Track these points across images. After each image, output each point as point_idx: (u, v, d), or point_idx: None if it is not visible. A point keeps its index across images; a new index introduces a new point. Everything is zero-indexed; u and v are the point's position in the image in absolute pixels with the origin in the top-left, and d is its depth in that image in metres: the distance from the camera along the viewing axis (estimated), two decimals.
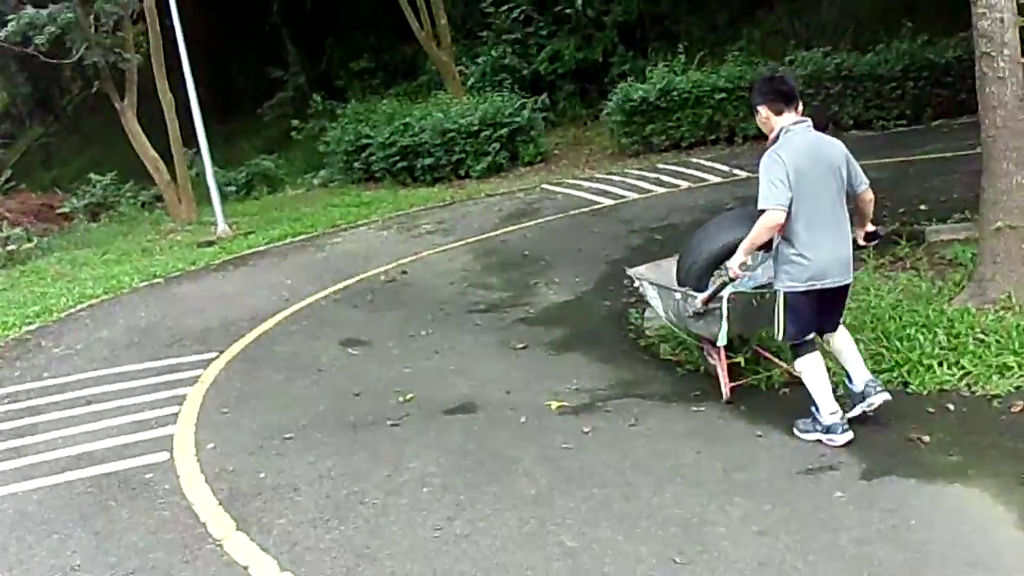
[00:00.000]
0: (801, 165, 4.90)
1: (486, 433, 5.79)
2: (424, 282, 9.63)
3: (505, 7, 19.78)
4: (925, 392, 5.63)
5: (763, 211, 4.93)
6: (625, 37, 19.60)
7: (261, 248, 12.24)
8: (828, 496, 4.55)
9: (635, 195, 12.44)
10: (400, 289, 9.45)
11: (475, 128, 16.07)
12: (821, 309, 5.16)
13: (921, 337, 6.22)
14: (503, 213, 12.57)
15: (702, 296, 5.70)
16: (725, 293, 5.50)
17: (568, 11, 19.43)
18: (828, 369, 5.30)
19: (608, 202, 12.22)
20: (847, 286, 5.19)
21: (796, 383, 5.58)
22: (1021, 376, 5.65)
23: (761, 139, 14.65)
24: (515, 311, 8.36)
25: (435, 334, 7.88)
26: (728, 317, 5.53)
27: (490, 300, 8.77)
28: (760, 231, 4.97)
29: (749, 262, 5.32)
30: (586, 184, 13.83)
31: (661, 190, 12.53)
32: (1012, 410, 5.29)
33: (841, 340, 5.33)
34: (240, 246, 12.43)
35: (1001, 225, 6.84)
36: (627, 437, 5.52)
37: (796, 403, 5.47)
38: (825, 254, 4.98)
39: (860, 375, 5.23)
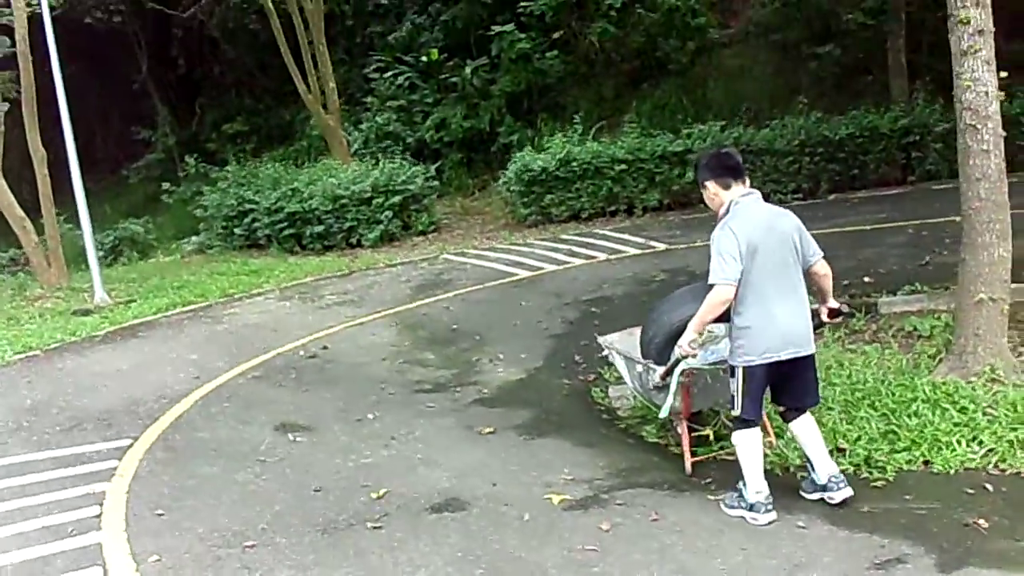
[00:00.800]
0: (753, 237, 4.81)
1: (488, 534, 5.04)
2: (350, 358, 8.74)
3: (390, 73, 19.23)
4: (952, 471, 5.37)
5: (711, 286, 4.79)
6: (512, 107, 19.32)
7: (149, 318, 11.01)
8: None
9: (552, 267, 11.91)
10: (325, 366, 8.53)
11: (367, 195, 15.31)
12: (781, 384, 5.03)
13: (929, 413, 5.96)
14: (412, 284, 11.80)
15: (660, 370, 5.52)
16: (678, 369, 5.27)
17: (454, 79, 19.03)
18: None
19: (525, 274, 11.64)
20: (807, 358, 4.99)
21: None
22: None
23: (660, 211, 14.97)
24: (467, 391, 7.62)
25: (384, 417, 7.05)
26: (676, 392, 5.35)
27: (434, 379, 7.99)
28: (709, 307, 4.83)
29: (699, 340, 5.14)
30: (492, 255, 13.24)
31: (578, 261, 12.05)
32: None
33: (806, 429, 5.14)
34: (123, 316, 11.16)
35: (983, 297, 6.71)
36: (654, 534, 4.91)
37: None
38: (781, 325, 4.84)
39: (824, 467, 5.09)
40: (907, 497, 5.15)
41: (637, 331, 6.70)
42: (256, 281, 12.68)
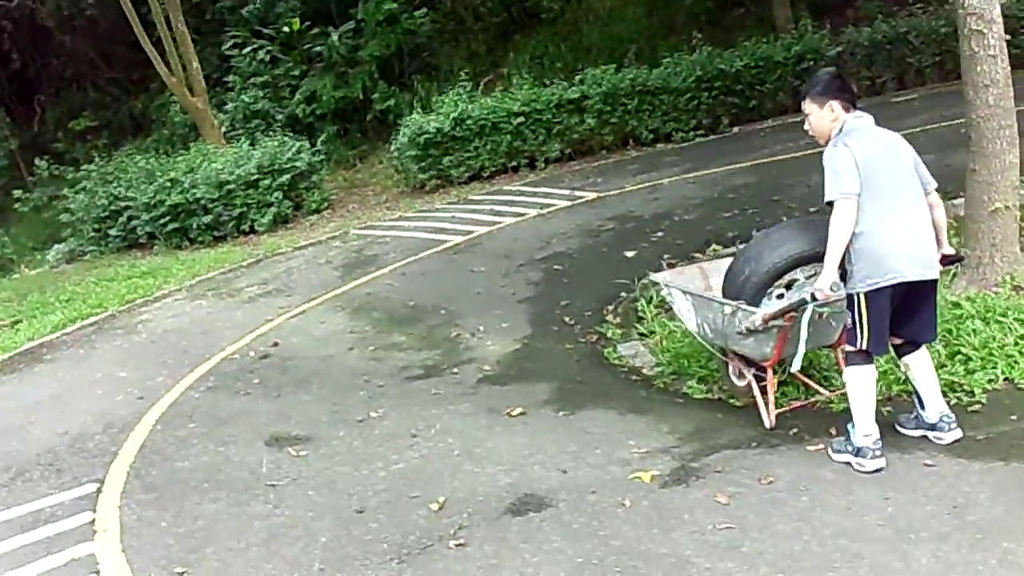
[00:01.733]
0: (870, 153, 4.49)
1: (598, 530, 4.39)
2: (312, 352, 7.80)
3: (248, 49, 17.85)
4: None
5: (830, 204, 4.42)
6: (384, 72, 18.28)
7: (48, 338, 9.62)
8: None
9: (483, 228, 11.17)
10: (287, 365, 7.56)
11: (254, 177, 14.09)
12: (899, 314, 4.57)
13: (987, 329, 5.68)
14: (335, 264, 10.81)
15: (765, 312, 4.97)
16: (806, 316, 4.71)
17: (319, 49, 17.83)
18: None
19: (457, 239, 10.84)
20: (932, 284, 4.61)
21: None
22: None
23: (562, 162, 14.38)
24: (466, 371, 6.86)
25: (390, 413, 6.22)
26: (773, 337, 4.98)
27: (420, 362, 7.17)
28: (838, 230, 4.42)
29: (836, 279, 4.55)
30: (407, 224, 12.37)
31: (509, 220, 11.34)
32: None
33: (922, 364, 4.77)
34: (15, 340, 9.72)
35: (999, 206, 6.49)
36: (782, 499, 4.39)
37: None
38: (907, 242, 4.47)
39: (936, 406, 4.74)
40: (1013, 417, 4.85)
41: (687, 269, 6.31)
42: (155, 283, 11.37)
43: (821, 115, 4.71)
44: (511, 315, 7.99)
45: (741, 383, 5.65)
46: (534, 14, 18.98)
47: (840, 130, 4.63)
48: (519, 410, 5.91)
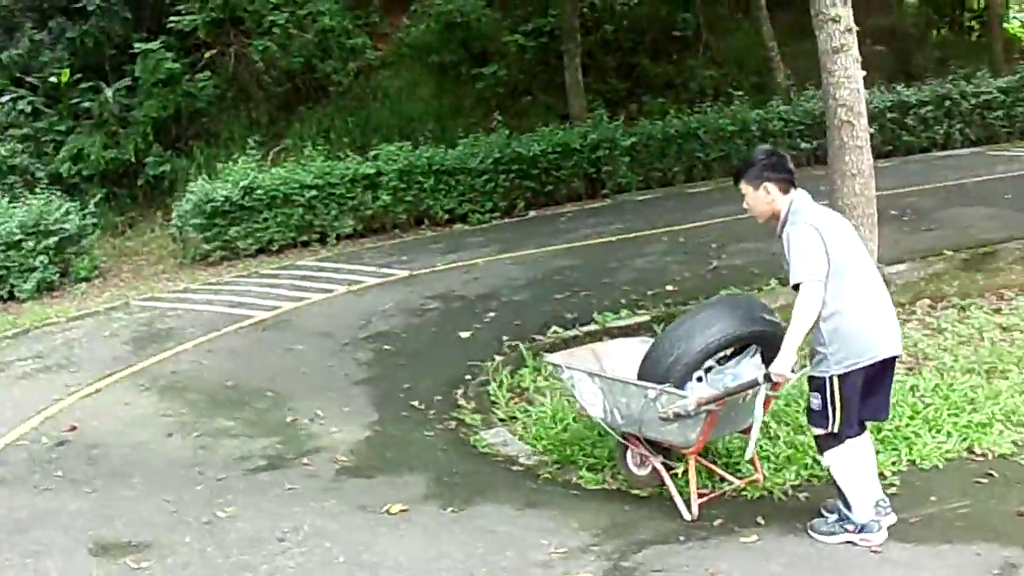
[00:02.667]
0: (834, 230, 4.44)
1: None
2: (121, 439, 6.73)
3: (7, 98, 16.07)
4: (938, 464, 5.31)
5: (796, 287, 4.28)
6: (159, 135, 16.96)
7: None
8: None
9: (289, 304, 10.30)
10: (94, 454, 6.46)
11: (16, 237, 12.47)
12: (867, 391, 4.44)
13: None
14: (123, 338, 9.57)
15: (700, 396, 4.74)
16: (760, 397, 4.53)
17: (88, 104, 16.33)
18: None
19: (263, 315, 9.93)
20: (895, 359, 4.55)
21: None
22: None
23: (354, 239, 13.76)
24: (318, 461, 6.10)
25: (243, 512, 5.36)
26: (701, 423, 4.77)
27: (259, 452, 6.32)
28: (806, 312, 4.24)
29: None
30: (196, 297, 11.28)
31: (317, 296, 10.55)
32: None
33: (867, 448, 4.63)
34: None
35: None
36: None
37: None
38: (882, 321, 4.42)
39: (876, 492, 4.60)
40: (933, 499, 4.89)
41: (579, 351, 5.91)
42: None
43: (756, 196, 4.60)
44: (350, 399, 7.26)
45: (642, 472, 5.34)
46: (321, 87, 18.35)
47: (789, 209, 4.50)
48: (399, 507, 5.22)
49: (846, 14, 6.55)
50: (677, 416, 4.74)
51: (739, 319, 4.95)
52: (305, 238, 14.04)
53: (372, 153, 14.99)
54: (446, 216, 14.65)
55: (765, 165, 4.58)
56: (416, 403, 7.07)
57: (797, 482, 5.13)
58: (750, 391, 4.64)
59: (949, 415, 5.70)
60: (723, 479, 5.26)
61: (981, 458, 5.31)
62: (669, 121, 16.17)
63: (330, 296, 10.55)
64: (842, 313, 4.27)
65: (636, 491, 5.29)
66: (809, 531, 4.53)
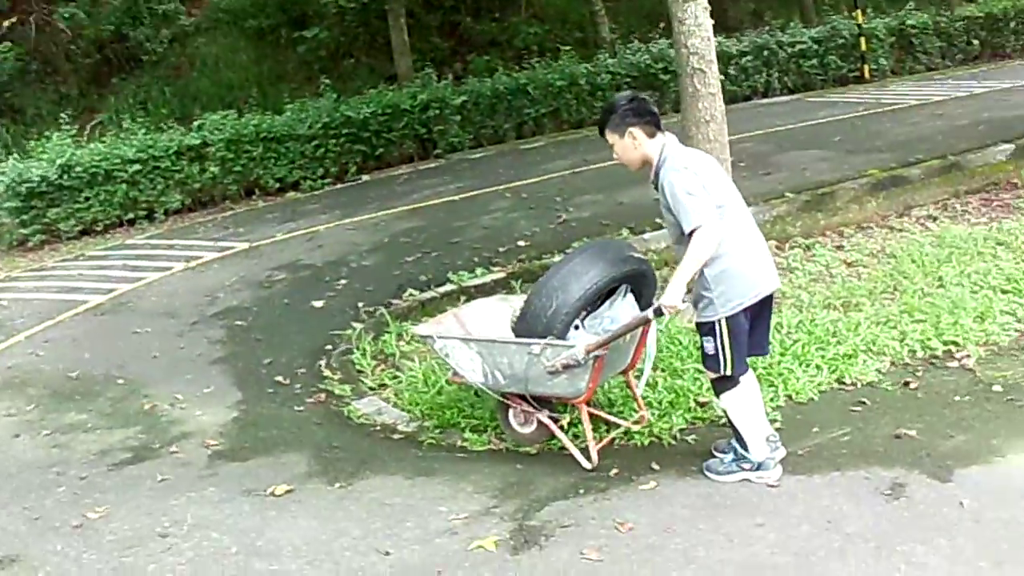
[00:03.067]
0: (710, 171, 4.45)
1: None
2: None
3: None
4: (813, 396, 5.53)
5: (692, 232, 4.19)
6: None
7: None
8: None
9: (127, 285, 9.71)
10: None
11: None
12: (754, 325, 4.54)
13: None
14: None
15: (589, 343, 4.72)
16: (652, 334, 4.72)
17: None
18: None
19: (99, 298, 9.33)
20: (771, 295, 4.62)
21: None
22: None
23: (183, 213, 13.18)
24: (187, 448, 5.78)
25: (116, 512, 4.98)
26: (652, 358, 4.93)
27: (121, 443, 5.93)
28: (704, 250, 4.19)
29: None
30: (21, 285, 10.49)
31: (154, 275, 9.99)
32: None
33: (753, 385, 4.68)
34: None
35: None
36: (656, 546, 4.06)
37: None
38: (762, 258, 4.49)
39: (764, 426, 4.69)
40: (816, 429, 5.07)
41: (445, 318, 5.73)
42: None
43: (623, 144, 4.52)
44: (209, 379, 6.91)
45: (527, 430, 5.30)
46: (133, 56, 17.42)
47: (661, 154, 4.44)
48: (284, 488, 4.98)
49: None
50: (566, 367, 4.71)
51: (610, 262, 4.93)
52: (131, 216, 13.30)
53: (196, 123, 14.34)
54: (277, 185, 14.20)
55: (627, 110, 4.47)
56: (280, 378, 6.79)
57: (684, 426, 5.19)
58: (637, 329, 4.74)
59: (816, 350, 5.92)
60: (610, 424, 5.29)
61: (851, 387, 5.55)
62: (498, 78, 16.16)
63: (168, 274, 10.01)
64: (726, 255, 4.28)
65: (524, 449, 5.24)
66: (705, 472, 4.60)
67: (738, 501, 4.36)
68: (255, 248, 10.67)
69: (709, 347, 4.38)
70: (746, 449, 4.48)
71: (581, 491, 4.62)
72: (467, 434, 5.50)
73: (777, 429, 4.93)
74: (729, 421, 4.57)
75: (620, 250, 5.19)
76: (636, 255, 5.22)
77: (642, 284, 5.15)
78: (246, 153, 13.96)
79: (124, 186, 13.12)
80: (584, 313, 5.10)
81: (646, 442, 5.17)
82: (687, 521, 4.21)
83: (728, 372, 4.38)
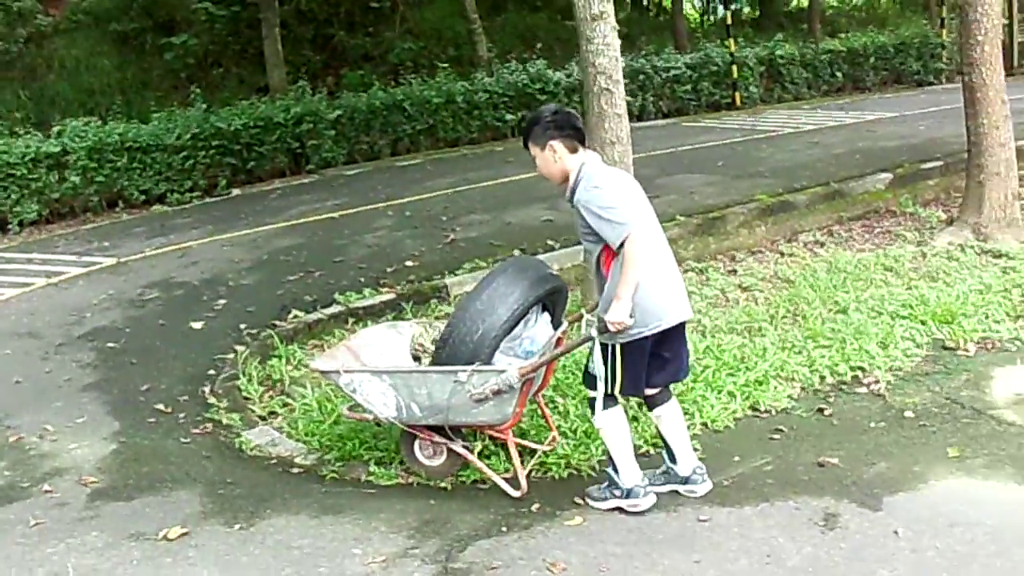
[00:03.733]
0: (628, 190, 4.37)
1: None
2: None
3: None
4: (723, 424, 5.47)
5: (622, 244, 4.08)
6: None
7: None
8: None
9: None
10: None
11: None
12: (660, 357, 4.45)
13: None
14: None
15: (523, 366, 4.56)
16: (597, 352, 4.30)
17: None
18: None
19: None
20: (684, 324, 4.53)
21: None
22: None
23: (41, 225, 12.33)
24: (62, 486, 5.24)
25: None
26: (517, 394, 4.58)
27: None
28: (639, 261, 4.06)
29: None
30: None
31: (12, 291, 9.20)
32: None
33: (674, 416, 4.66)
34: None
35: None
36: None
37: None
38: (670, 288, 4.35)
39: (689, 459, 4.67)
40: (736, 459, 5.00)
41: (340, 352, 5.35)
42: None
43: (545, 157, 4.42)
44: (80, 407, 6.33)
45: (435, 462, 5.03)
46: None
47: (580, 171, 4.33)
48: (178, 531, 4.53)
49: None
50: (496, 393, 4.50)
51: (533, 280, 4.76)
52: None
53: (56, 129, 13.48)
54: (142, 197, 13.49)
55: (550, 123, 4.36)
56: (161, 406, 6.28)
57: (602, 457, 4.99)
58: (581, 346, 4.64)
59: (727, 376, 5.88)
60: (531, 449, 5.11)
61: (766, 415, 5.52)
62: (374, 94, 15.84)
63: (28, 291, 9.25)
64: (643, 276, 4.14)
65: (434, 483, 4.95)
66: (586, 498, 4.52)
67: (670, 536, 4.22)
68: (123, 264, 10.01)
69: (600, 367, 4.25)
70: (617, 474, 4.42)
71: (504, 528, 4.37)
72: (372, 468, 5.16)
73: (700, 458, 4.82)
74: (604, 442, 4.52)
75: (539, 268, 5.01)
76: (553, 272, 5.10)
77: (557, 302, 5.03)
78: (110, 163, 13.21)
79: None
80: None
81: (564, 474, 4.98)
82: (620, 559, 4.03)
83: (616, 392, 4.32)
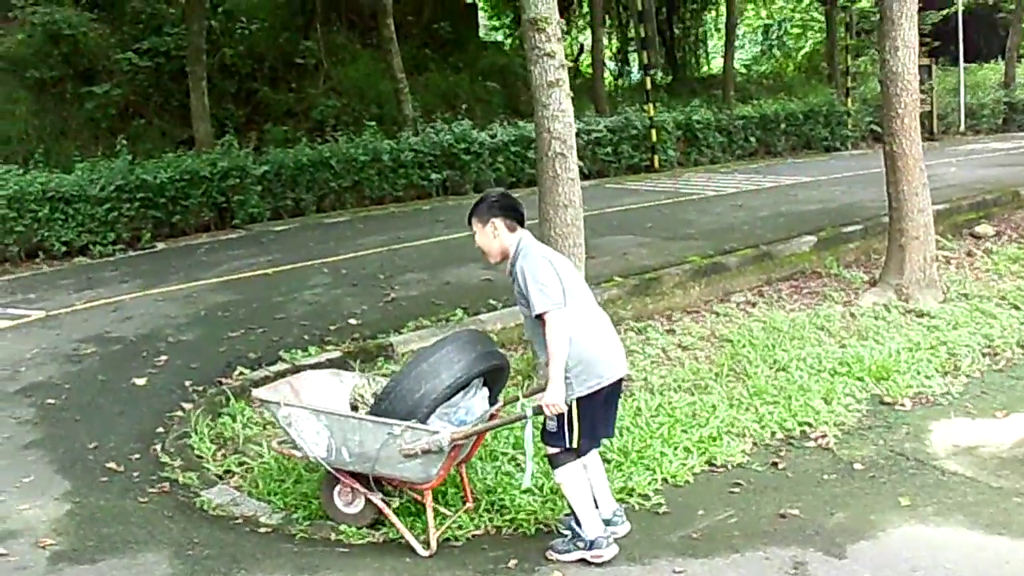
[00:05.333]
0: (560, 262, 4.80)
1: None
2: None
3: None
4: (683, 481, 5.56)
5: (539, 317, 4.48)
6: None
7: None
8: None
9: None
10: None
11: None
12: (607, 408, 4.85)
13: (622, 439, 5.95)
14: None
15: (455, 431, 4.79)
16: (528, 431, 4.61)
17: None
18: None
19: None
20: (620, 380, 4.87)
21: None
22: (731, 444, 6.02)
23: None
24: (17, 548, 5.07)
25: None
26: (443, 457, 4.77)
27: None
28: (560, 340, 4.46)
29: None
30: None
31: None
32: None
33: (597, 463, 4.98)
34: None
35: None
36: None
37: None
38: (612, 345, 4.77)
39: (609, 502, 4.99)
40: (701, 512, 5.12)
41: (282, 386, 5.52)
42: None
43: (485, 232, 4.80)
44: (26, 466, 6.14)
45: (352, 509, 5.21)
46: None
47: (518, 247, 4.71)
48: None
49: (560, 50, 6.71)
50: (425, 452, 4.70)
51: (480, 355, 5.03)
52: None
53: None
54: (64, 248, 13.23)
55: (494, 203, 4.79)
56: (113, 465, 6.13)
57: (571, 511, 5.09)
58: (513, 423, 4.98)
59: (681, 431, 6.07)
60: (444, 514, 5.23)
61: (722, 469, 5.72)
62: (300, 150, 15.91)
63: None
64: (579, 340, 4.49)
65: (402, 541, 4.97)
66: (548, 554, 4.69)
67: None
68: (52, 317, 9.77)
69: (552, 425, 4.54)
70: (580, 527, 4.62)
71: None
72: (343, 527, 5.14)
73: (663, 512, 5.11)
74: (564, 497, 4.74)
75: (487, 344, 5.30)
76: (499, 351, 5.41)
77: (498, 379, 5.30)
78: (31, 212, 13.00)
79: None
80: None
81: (533, 530, 5.09)
82: None
83: (574, 446, 4.57)
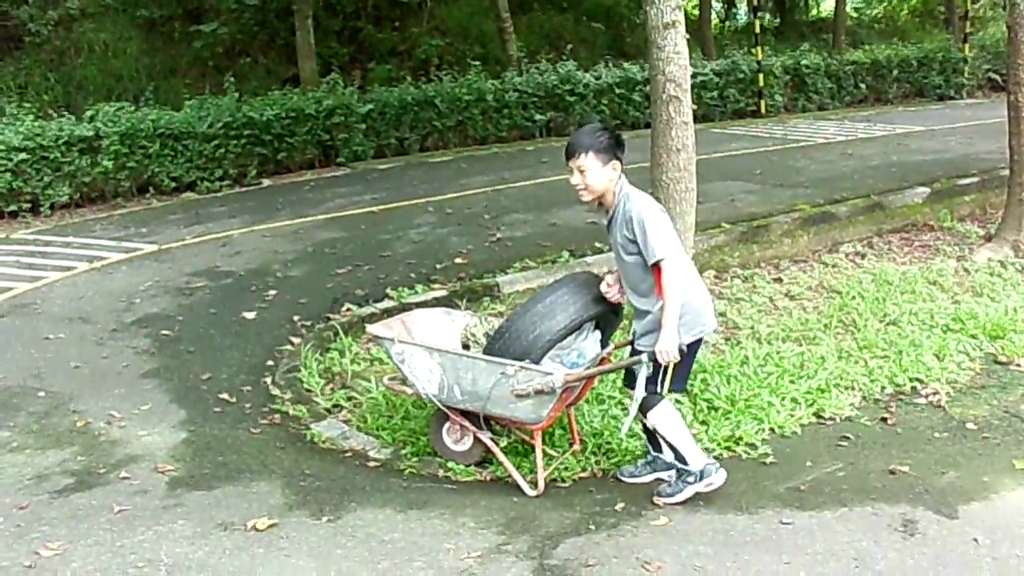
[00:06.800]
0: (665, 216, 4.68)
1: None
2: None
3: None
4: (789, 431, 5.42)
5: (656, 264, 4.39)
6: None
7: None
8: None
9: (25, 284, 8.93)
10: None
11: None
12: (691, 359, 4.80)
13: (728, 387, 5.96)
14: None
15: (569, 373, 4.75)
16: (642, 375, 4.54)
17: None
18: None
19: None
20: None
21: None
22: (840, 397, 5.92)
23: (71, 208, 12.37)
24: (139, 473, 5.28)
25: (74, 547, 4.46)
26: (555, 399, 4.80)
27: (58, 467, 5.37)
28: (678, 289, 4.37)
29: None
30: None
31: (55, 275, 9.28)
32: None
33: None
34: None
35: None
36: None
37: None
38: (708, 296, 4.73)
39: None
40: (809, 464, 5.09)
41: (395, 323, 5.54)
42: None
43: (602, 173, 4.53)
44: (144, 394, 6.39)
45: (460, 447, 5.26)
46: (13, 36, 16.30)
47: (621, 190, 4.56)
48: (265, 521, 4.59)
49: None
50: (538, 392, 4.68)
51: (595, 297, 4.93)
52: (13, 208, 12.44)
53: (88, 113, 13.54)
54: (172, 184, 13.56)
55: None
56: (225, 395, 6.35)
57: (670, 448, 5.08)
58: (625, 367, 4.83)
59: (789, 383, 5.98)
60: (550, 455, 5.25)
61: (830, 422, 5.63)
62: (405, 89, 15.91)
63: (71, 274, 9.32)
64: (687, 288, 4.45)
65: (505, 479, 5.04)
66: (656, 500, 4.65)
67: (756, 538, 4.31)
68: (164, 251, 10.07)
69: (647, 371, 4.48)
70: (684, 462, 4.59)
71: (592, 526, 4.46)
72: (451, 464, 5.22)
73: (770, 463, 5.06)
74: (662, 438, 4.68)
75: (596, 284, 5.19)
76: None
77: (611, 323, 5.20)
78: (142, 149, 13.31)
79: (9, 175, 12.26)
80: None
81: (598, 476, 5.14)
82: (712, 560, 4.12)
83: (665, 391, 4.54)
